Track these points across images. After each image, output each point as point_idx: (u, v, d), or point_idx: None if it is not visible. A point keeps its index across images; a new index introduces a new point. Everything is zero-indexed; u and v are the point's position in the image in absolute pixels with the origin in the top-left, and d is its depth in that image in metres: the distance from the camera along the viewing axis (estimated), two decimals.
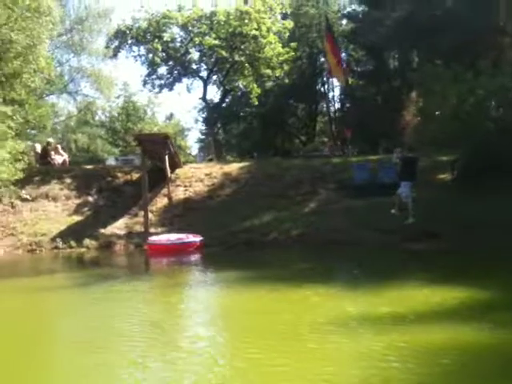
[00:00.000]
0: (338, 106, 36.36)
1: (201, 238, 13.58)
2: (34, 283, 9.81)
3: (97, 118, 33.25)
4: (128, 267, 12.48)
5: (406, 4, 18.96)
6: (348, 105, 31.72)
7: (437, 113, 15.26)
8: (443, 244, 11.86)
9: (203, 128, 38.88)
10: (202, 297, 8.52)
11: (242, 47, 21.90)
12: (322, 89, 35.24)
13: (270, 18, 21.53)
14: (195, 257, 13.07)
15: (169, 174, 15.97)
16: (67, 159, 19.69)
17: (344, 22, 30.08)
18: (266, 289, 8.21)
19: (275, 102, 30.14)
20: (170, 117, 41.55)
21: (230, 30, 21.30)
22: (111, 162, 28.76)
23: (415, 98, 23.27)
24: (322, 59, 33.51)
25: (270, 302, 7.45)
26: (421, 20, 16.70)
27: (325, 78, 34.81)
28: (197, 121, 36.66)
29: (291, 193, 16.05)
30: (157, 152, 15.65)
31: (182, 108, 74.31)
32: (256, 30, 21.18)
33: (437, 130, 14.78)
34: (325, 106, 36.24)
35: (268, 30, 21.38)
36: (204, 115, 36.75)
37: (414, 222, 13.16)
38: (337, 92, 36.07)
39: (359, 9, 29.01)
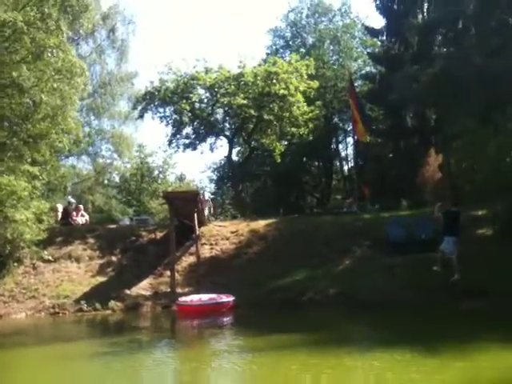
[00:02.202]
0: (351, 164, 36.56)
1: (233, 298, 12.85)
2: (60, 351, 9.09)
3: (111, 178, 33.18)
4: (158, 332, 11.57)
5: (428, 63, 19.09)
6: (361, 162, 31.58)
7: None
8: (494, 301, 11.14)
9: (213, 187, 38.69)
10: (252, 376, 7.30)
11: (271, 106, 21.93)
12: (337, 147, 35.42)
13: (296, 78, 21.63)
14: (228, 318, 12.29)
15: (197, 232, 15.43)
16: (88, 220, 19.27)
17: (359, 82, 30.42)
18: (320, 355, 7.49)
19: (291, 160, 30.08)
20: (181, 177, 41.11)
21: (258, 90, 21.40)
22: (126, 222, 28.31)
23: (434, 155, 23.26)
24: (336, 119, 34.00)
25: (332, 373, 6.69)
26: (448, 78, 16.59)
27: (340, 137, 35.13)
28: (212, 180, 36.33)
29: (323, 250, 15.41)
30: (185, 209, 15.19)
31: (194, 168, 74.59)
32: (284, 89, 21.27)
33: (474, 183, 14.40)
34: (339, 164, 36.39)
35: (296, 89, 21.47)
36: (218, 174, 36.87)
37: (459, 278, 12.49)
38: (350, 150, 36.27)
39: (374, 70, 29.62)
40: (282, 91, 21.32)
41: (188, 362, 8.09)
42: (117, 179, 33.24)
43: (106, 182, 31.48)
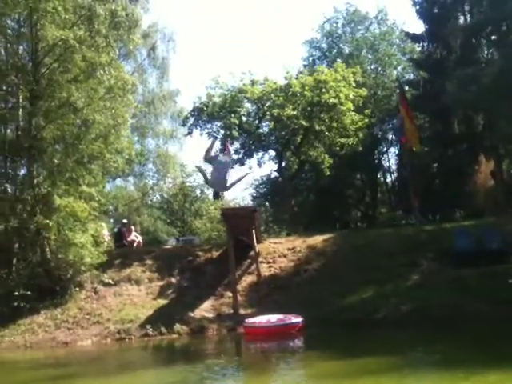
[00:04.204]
0: (394, 175, 35.71)
1: (302, 319, 12.37)
2: (135, 380, 8.78)
3: (154, 199, 33.31)
4: (228, 357, 11.01)
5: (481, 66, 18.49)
6: (407, 173, 30.81)
7: None
8: None
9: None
10: None
11: (321, 116, 21.57)
12: (379, 159, 34.69)
13: (344, 87, 21.26)
14: (298, 341, 11.82)
15: (257, 249, 15.08)
16: (141, 241, 19.17)
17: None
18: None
19: (334, 174, 29.56)
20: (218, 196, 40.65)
21: (307, 100, 21.08)
22: (172, 242, 28.27)
23: (485, 161, 22.51)
24: (377, 130, 33.29)
25: None
26: (509, 79, 15.97)
27: (384, 148, 34.41)
28: (255, 197, 35.70)
29: (387, 264, 14.80)
30: (242, 226, 14.86)
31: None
32: (334, 97, 20.93)
33: None
34: (382, 175, 35.63)
35: (346, 97, 21.09)
36: (259, 192, 36.41)
37: None
38: (393, 161, 35.54)
39: (415, 76, 29.05)
40: (332, 100, 20.96)
41: None
42: (160, 200, 33.34)
43: (149, 202, 31.60)
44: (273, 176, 32.43)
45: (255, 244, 15.08)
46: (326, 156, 22.56)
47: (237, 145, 22.68)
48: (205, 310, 14.16)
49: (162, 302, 14.41)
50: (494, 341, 9.75)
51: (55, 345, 12.60)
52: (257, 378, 8.62)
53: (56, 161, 15.18)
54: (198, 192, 34.02)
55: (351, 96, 21.38)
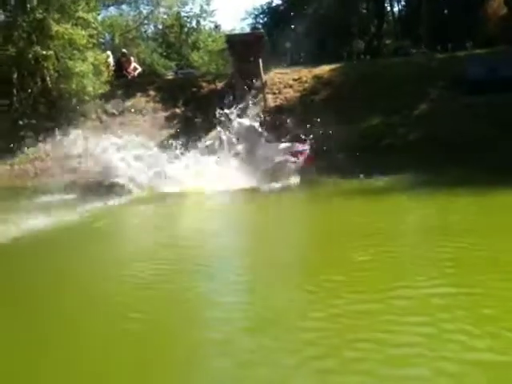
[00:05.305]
0: (402, 3, 33.67)
1: (309, 147, 12.44)
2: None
3: (149, 30, 31.59)
4: None
5: None
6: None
7: None
8: None
9: None
10: None
11: None
12: None
13: None
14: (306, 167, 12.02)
15: (263, 78, 14.63)
16: (141, 70, 18.49)
17: None
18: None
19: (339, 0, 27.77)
20: (216, 27, 38.46)
21: None
22: (170, 75, 27.39)
23: None
24: None
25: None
26: None
27: None
28: (255, 28, 33.76)
29: (396, 94, 14.49)
30: (249, 54, 14.23)
31: (233, 17, 69.93)
32: None
33: None
34: (389, 3, 33.52)
35: None
36: (256, 21, 34.39)
37: None
38: None
39: None
40: None
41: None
42: (155, 31, 31.67)
43: (144, 35, 30.06)
44: (274, 5, 30.59)
45: (262, 73, 14.58)
46: None
47: None
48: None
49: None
50: (504, 164, 9.92)
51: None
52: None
53: None
54: (193, 23, 32.09)
55: None
